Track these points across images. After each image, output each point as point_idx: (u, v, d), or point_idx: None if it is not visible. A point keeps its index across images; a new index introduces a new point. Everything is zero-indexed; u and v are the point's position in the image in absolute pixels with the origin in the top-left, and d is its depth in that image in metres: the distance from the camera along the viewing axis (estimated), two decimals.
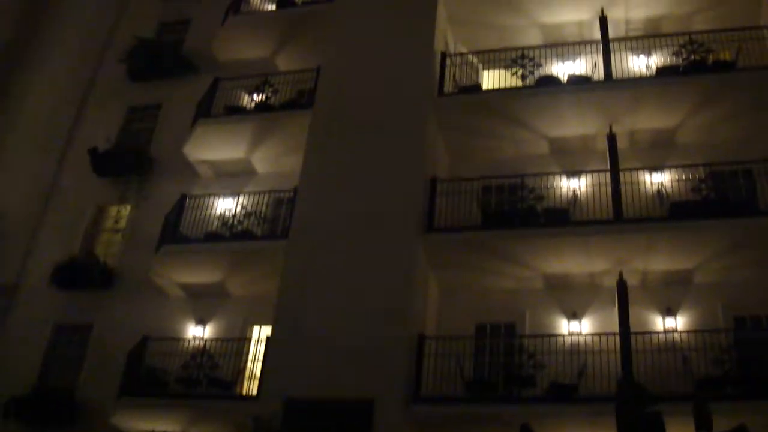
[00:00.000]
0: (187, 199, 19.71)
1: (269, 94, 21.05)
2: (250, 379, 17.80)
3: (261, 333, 18.50)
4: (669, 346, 15.81)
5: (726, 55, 18.42)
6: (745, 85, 17.70)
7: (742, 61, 18.03)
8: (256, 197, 19.41)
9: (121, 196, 22.09)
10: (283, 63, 23.00)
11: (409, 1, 20.62)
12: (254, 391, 16.88)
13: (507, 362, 16.52)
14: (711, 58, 18.37)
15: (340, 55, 20.40)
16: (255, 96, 21.23)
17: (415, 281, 16.49)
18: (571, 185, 18.06)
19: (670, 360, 15.34)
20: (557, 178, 18.14)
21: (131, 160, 22.22)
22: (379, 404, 15.02)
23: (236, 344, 17.97)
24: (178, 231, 19.18)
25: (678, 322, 16.77)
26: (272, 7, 23.50)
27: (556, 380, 15.28)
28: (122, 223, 22.06)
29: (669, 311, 16.88)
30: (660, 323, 16.82)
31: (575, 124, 18.81)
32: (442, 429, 15.38)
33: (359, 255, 16.75)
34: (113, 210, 22.45)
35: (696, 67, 18.13)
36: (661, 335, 16.24)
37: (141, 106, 24.08)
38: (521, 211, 17.28)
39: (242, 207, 19.27)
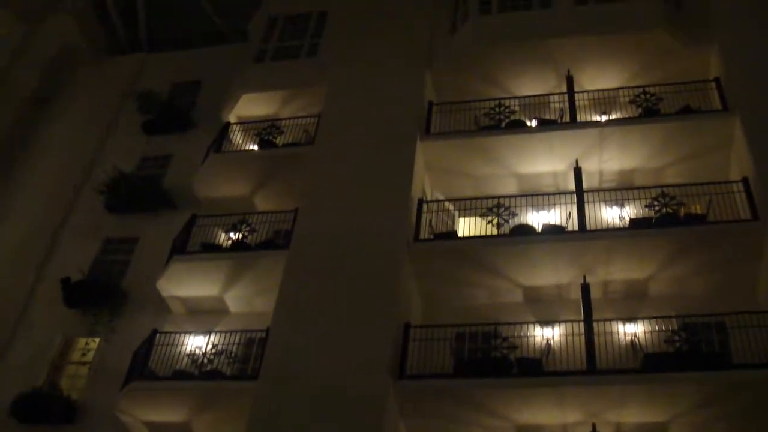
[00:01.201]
0: (158, 335, 19.43)
1: (246, 233, 21.15)
2: None
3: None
4: None
5: (698, 209, 18.82)
6: (716, 239, 17.95)
7: (713, 215, 18.38)
8: (228, 336, 19.20)
9: (90, 328, 21.78)
10: (261, 203, 23.21)
11: (388, 149, 21.03)
12: None
13: None
14: (683, 210, 18.74)
15: (318, 197, 20.68)
16: (232, 234, 21.30)
17: (383, 428, 16.16)
18: (545, 334, 18.05)
19: None
20: (531, 327, 18.11)
21: (103, 292, 22.02)
22: None
23: None
24: (147, 367, 18.85)
25: None
26: (254, 147, 23.84)
27: None
28: (89, 356, 21.67)
29: None
30: None
31: (550, 274, 18.94)
32: None
33: (332, 400, 16.47)
34: (81, 342, 22.09)
35: (668, 220, 18.43)
36: None
37: (117, 238, 24.06)
38: (494, 360, 17.14)
39: (213, 345, 19.04)
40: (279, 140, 23.63)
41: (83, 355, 21.85)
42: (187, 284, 20.77)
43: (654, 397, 16.32)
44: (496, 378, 16.77)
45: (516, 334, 17.63)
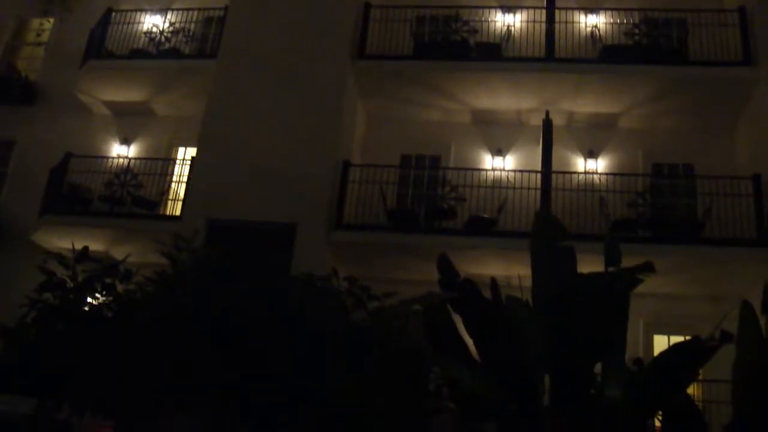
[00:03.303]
0: (113, 14, 18.98)
1: None
2: (174, 200, 17.74)
3: (186, 154, 18.37)
4: (588, 187, 16.21)
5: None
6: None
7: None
8: (185, 14, 18.81)
9: (44, 7, 21.08)
10: None
11: None
12: (178, 212, 16.84)
13: (430, 194, 16.76)
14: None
15: None
16: None
17: (342, 108, 16.39)
18: (506, 20, 17.87)
19: (588, 201, 15.73)
20: (492, 12, 17.90)
21: None
22: (301, 228, 15.16)
23: (161, 164, 17.83)
24: (104, 47, 18.57)
25: (599, 165, 17.14)
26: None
27: (477, 214, 15.60)
28: (45, 37, 21.24)
29: (591, 153, 17.22)
30: (581, 164, 17.16)
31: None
32: (362, 255, 15.62)
33: (288, 79, 16.45)
34: (36, 23, 21.55)
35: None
36: (581, 176, 16.65)
37: None
38: (454, 43, 17.10)
39: (170, 24, 18.69)
40: None
41: (38, 35, 21.40)
42: None
43: (608, 88, 16.62)
44: (455, 61, 16.83)
45: (477, 19, 17.48)
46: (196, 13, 18.79)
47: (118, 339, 8.44)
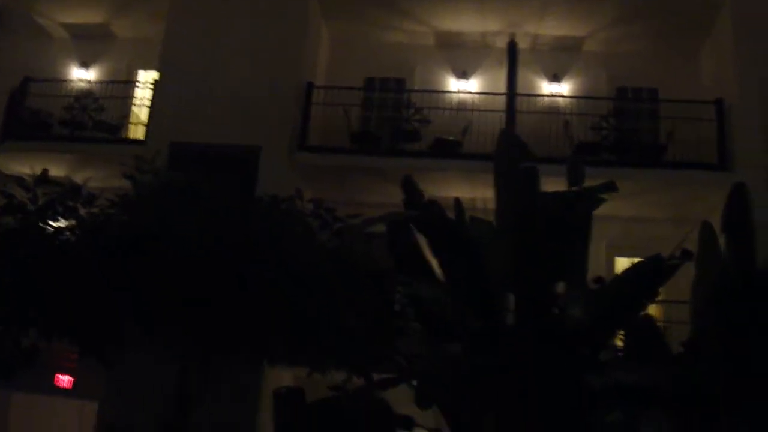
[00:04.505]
0: None
1: None
2: (136, 124, 17.50)
3: (148, 77, 18.01)
4: (553, 110, 16.24)
5: None
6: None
7: None
8: None
9: None
10: None
11: None
12: (141, 136, 16.63)
13: (394, 116, 16.70)
14: None
15: None
16: None
17: (306, 30, 16.19)
18: None
19: (552, 124, 15.75)
20: None
21: None
22: (265, 151, 15.06)
23: (122, 87, 17.53)
24: None
25: (563, 88, 17.14)
26: None
27: (441, 136, 15.58)
28: None
29: (556, 77, 17.20)
30: (546, 88, 17.14)
31: None
32: (326, 178, 15.56)
33: (251, 0, 16.22)
34: None
35: None
36: (546, 99, 16.66)
37: None
38: None
39: None
40: None
41: None
42: None
43: (574, 11, 16.55)
44: None
45: None
46: None
47: (81, 264, 8.38)
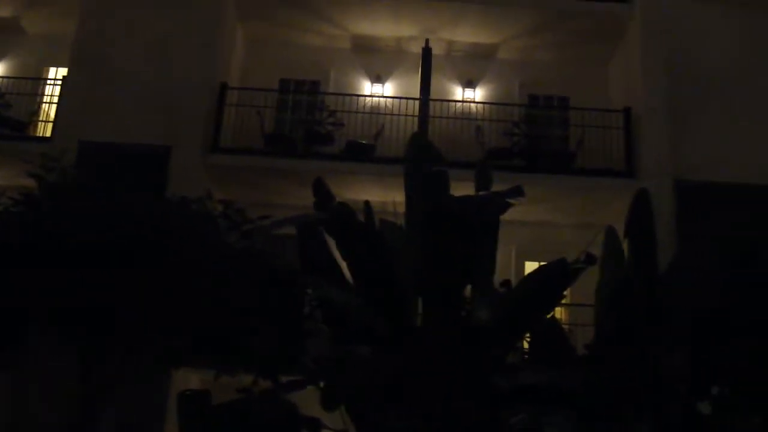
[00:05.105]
0: None
1: None
2: (45, 121, 17.04)
3: (57, 74, 17.60)
4: (465, 116, 16.41)
5: None
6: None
7: None
8: None
9: None
10: None
11: None
12: (49, 133, 16.22)
13: (308, 119, 16.64)
14: None
15: None
16: None
17: (221, 30, 16.03)
18: None
19: (465, 129, 15.96)
20: None
21: None
22: (177, 152, 14.84)
23: (31, 84, 17.04)
24: None
25: (477, 94, 17.34)
26: None
27: (354, 139, 15.59)
28: None
29: (470, 83, 17.40)
30: (460, 94, 17.32)
31: None
32: (239, 180, 15.41)
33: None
34: None
35: None
36: (459, 105, 16.82)
37: None
38: None
39: None
40: None
41: None
42: None
43: (488, 18, 16.74)
44: None
45: None
46: None
47: None
